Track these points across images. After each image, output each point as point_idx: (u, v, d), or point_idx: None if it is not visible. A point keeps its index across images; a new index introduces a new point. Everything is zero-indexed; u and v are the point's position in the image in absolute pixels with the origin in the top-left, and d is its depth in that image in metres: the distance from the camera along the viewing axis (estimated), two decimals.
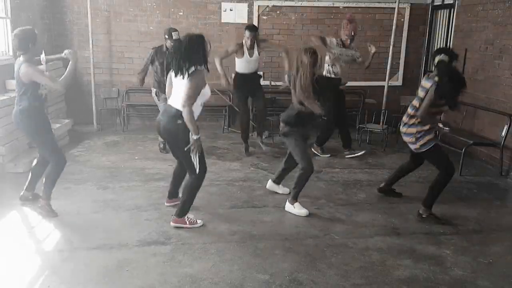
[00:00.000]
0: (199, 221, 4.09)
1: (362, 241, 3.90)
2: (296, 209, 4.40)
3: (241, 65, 6.16)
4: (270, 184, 4.93)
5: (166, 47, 5.96)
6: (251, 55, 6.11)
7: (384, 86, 7.50)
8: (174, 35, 5.82)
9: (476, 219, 4.31)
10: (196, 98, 3.76)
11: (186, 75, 3.72)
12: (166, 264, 3.43)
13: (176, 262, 3.46)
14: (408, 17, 7.84)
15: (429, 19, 7.88)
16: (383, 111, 7.26)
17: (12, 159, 5.42)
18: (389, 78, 7.56)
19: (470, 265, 3.55)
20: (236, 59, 6.18)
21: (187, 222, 4.03)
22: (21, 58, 4.01)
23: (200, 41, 3.79)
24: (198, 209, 4.38)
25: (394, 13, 7.31)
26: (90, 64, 7.40)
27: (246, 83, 6.19)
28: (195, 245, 3.72)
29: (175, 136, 3.88)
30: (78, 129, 7.37)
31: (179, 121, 3.77)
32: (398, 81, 8.06)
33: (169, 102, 3.97)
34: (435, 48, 7.55)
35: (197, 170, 3.89)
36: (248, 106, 6.58)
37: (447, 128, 6.60)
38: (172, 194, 4.49)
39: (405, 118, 4.39)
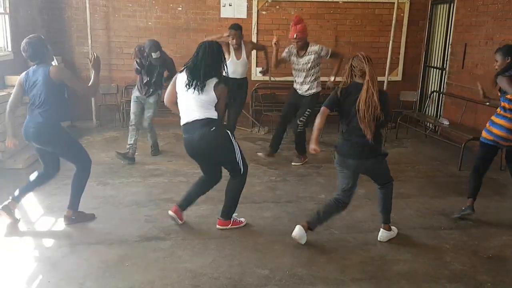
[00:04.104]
0: (242, 219, 4.06)
1: (362, 236, 3.91)
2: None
3: (229, 67, 5.63)
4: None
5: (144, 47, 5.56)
6: (237, 57, 5.80)
7: (383, 81, 7.50)
8: (154, 55, 5.43)
9: (476, 214, 4.31)
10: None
11: (204, 88, 3.52)
12: (166, 260, 3.43)
13: (176, 258, 3.47)
14: (408, 11, 7.81)
15: (429, 14, 7.86)
16: None
17: (12, 155, 5.42)
18: (389, 73, 7.55)
19: (469, 260, 3.55)
20: None
21: (232, 223, 3.98)
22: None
23: (219, 51, 3.60)
24: (198, 204, 4.37)
25: (393, 8, 7.29)
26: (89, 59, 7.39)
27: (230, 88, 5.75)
28: (194, 241, 3.73)
29: (215, 145, 3.66)
30: (77, 125, 7.37)
31: (213, 128, 3.59)
32: (397, 76, 8.05)
33: (187, 119, 3.63)
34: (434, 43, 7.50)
35: (242, 170, 3.84)
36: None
37: (446, 123, 6.63)
38: (184, 206, 4.04)
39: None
